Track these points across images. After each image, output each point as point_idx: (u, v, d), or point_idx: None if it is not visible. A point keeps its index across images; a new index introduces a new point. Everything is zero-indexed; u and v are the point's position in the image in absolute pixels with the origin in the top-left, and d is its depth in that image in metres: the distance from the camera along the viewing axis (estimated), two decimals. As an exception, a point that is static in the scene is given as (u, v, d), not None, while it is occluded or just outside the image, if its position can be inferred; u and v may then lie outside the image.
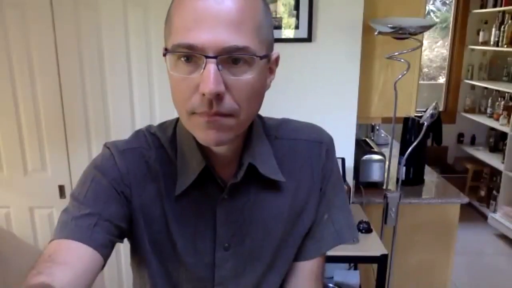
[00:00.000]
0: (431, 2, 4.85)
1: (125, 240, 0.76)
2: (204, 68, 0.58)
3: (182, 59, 0.60)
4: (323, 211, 0.82)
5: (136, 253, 0.78)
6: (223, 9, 0.58)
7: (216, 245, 0.75)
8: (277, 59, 0.69)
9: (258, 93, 0.65)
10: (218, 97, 0.59)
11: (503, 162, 3.67)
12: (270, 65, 0.69)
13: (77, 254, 0.63)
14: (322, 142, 0.80)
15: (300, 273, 0.83)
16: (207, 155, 0.72)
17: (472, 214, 4.00)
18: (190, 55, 0.59)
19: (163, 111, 1.96)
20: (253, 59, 0.61)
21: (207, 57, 0.58)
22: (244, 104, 0.62)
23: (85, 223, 0.65)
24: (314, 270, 0.84)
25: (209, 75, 0.58)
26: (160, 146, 0.74)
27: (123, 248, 2.17)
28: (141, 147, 0.73)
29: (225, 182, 0.73)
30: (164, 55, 0.62)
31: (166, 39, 0.64)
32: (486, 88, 4.20)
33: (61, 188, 2.08)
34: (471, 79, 4.37)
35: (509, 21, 3.78)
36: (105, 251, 0.66)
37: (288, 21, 1.90)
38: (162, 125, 0.77)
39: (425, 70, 5.00)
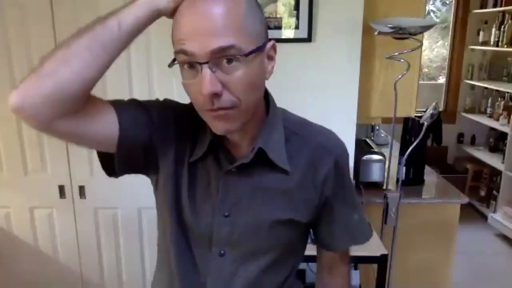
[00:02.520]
0: (431, 2, 4.86)
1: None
2: (201, 73, 0.69)
3: (186, 66, 0.71)
4: (348, 213, 0.93)
5: (159, 191, 0.88)
6: (206, 19, 0.68)
7: (216, 211, 0.84)
8: (274, 46, 0.77)
9: (255, 83, 0.73)
10: (216, 95, 0.69)
11: (503, 162, 3.67)
12: (268, 53, 0.76)
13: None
14: (332, 151, 0.87)
15: (334, 255, 0.98)
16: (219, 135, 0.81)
17: (472, 214, 4.00)
18: (188, 62, 0.70)
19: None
20: (241, 56, 0.69)
21: (200, 63, 0.68)
22: (243, 96, 0.71)
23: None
24: (346, 255, 1.01)
25: (204, 79, 0.68)
26: (196, 121, 0.83)
27: (123, 249, 2.17)
28: (191, 112, 0.82)
29: (235, 159, 0.83)
30: (172, 64, 0.74)
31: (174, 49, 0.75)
32: (486, 88, 4.20)
33: (61, 188, 2.08)
34: (471, 79, 4.37)
35: (509, 21, 3.78)
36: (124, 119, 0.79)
37: (288, 21, 1.90)
38: None
39: (425, 70, 5.00)
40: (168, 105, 0.88)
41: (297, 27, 1.91)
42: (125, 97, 0.85)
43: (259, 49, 0.72)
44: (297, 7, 1.88)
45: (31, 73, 0.70)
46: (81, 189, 2.07)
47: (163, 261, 0.93)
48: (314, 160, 0.85)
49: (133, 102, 0.84)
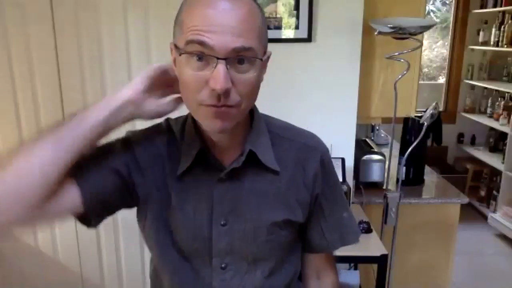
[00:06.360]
0: (431, 2, 4.85)
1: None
2: (215, 68, 0.68)
3: (195, 57, 0.70)
4: (336, 211, 0.94)
5: (145, 220, 0.87)
6: (232, 16, 0.68)
7: (213, 221, 0.83)
8: (269, 56, 0.80)
9: (257, 87, 0.76)
10: (226, 92, 0.69)
11: (503, 162, 3.67)
12: (265, 62, 0.79)
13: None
14: (317, 149, 0.89)
15: (321, 259, 0.99)
16: (206, 141, 0.83)
17: (472, 214, 4.00)
18: (203, 55, 0.69)
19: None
20: (255, 60, 0.72)
21: (218, 58, 0.68)
22: (246, 97, 0.73)
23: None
24: (333, 259, 1.02)
25: (220, 74, 0.68)
26: (171, 132, 0.86)
27: (123, 248, 2.17)
28: (155, 133, 0.87)
29: (224, 165, 0.83)
30: (180, 54, 0.72)
31: (177, 38, 0.74)
32: (486, 88, 4.20)
33: (61, 188, 2.08)
34: (471, 79, 4.37)
35: (509, 21, 3.78)
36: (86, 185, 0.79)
37: (288, 21, 1.90)
38: (177, 118, 0.89)
39: (425, 70, 5.00)
40: (132, 137, 0.87)
41: (297, 27, 1.90)
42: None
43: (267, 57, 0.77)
44: (297, 7, 1.88)
45: None
46: (81, 189, 2.07)
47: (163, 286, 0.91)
48: (301, 160, 0.87)
49: (96, 155, 0.82)
